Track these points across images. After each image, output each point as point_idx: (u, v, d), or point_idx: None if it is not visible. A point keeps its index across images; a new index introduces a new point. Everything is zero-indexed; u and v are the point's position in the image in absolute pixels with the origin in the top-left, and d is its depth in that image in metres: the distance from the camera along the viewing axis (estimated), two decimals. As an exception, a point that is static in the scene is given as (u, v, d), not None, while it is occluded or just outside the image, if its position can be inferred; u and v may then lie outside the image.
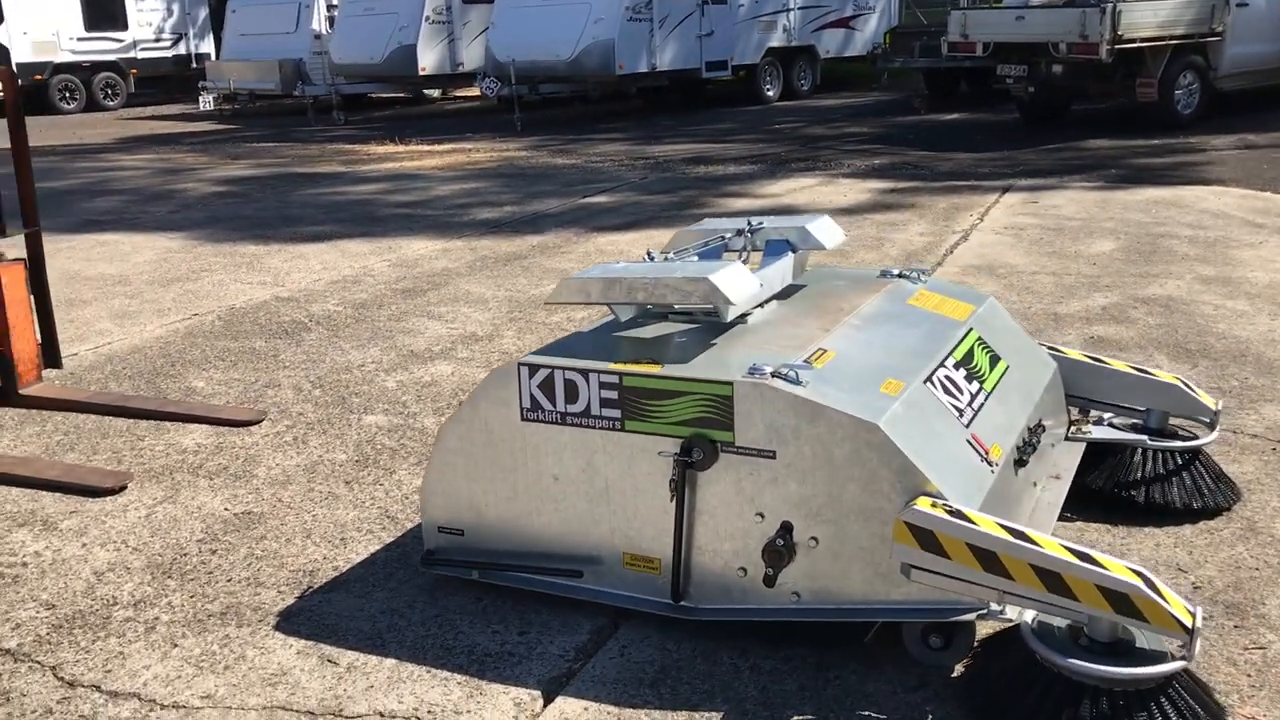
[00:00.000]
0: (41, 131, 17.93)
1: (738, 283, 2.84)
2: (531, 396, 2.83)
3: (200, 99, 19.53)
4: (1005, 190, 9.00)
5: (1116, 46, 11.35)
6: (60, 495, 3.76)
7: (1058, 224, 7.60)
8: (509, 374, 2.85)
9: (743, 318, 3.10)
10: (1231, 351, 4.80)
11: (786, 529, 2.62)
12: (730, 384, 2.61)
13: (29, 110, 20.87)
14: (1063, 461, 3.29)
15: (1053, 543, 2.38)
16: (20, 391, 4.60)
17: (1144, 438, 3.39)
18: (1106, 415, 3.56)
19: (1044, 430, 3.14)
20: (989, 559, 2.39)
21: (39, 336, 4.73)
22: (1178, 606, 2.28)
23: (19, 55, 20.79)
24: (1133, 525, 3.31)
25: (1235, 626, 2.78)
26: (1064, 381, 3.55)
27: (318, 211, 9.35)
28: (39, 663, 2.78)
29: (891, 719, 2.46)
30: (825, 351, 2.83)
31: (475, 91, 18.68)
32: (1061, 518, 3.34)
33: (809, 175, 10.35)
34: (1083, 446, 3.40)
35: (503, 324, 5.63)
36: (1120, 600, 2.29)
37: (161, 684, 2.67)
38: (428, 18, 17.50)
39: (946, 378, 2.90)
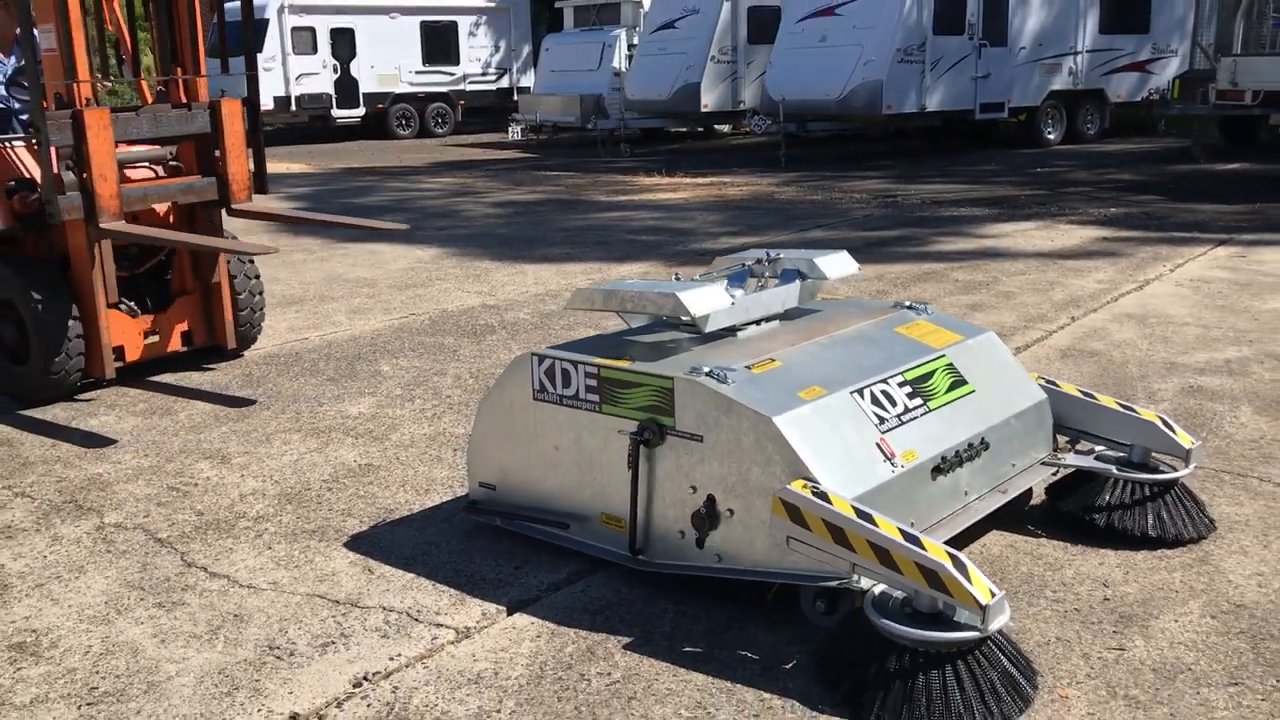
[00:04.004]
0: (374, 154, 20.35)
1: (703, 299, 3.45)
2: (540, 380, 3.55)
3: (509, 129, 21.47)
4: (1221, 244, 8.84)
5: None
6: (242, 441, 4.82)
7: (1249, 279, 7.50)
8: (524, 361, 3.59)
9: (734, 332, 3.70)
10: (1323, 409, 4.85)
11: (710, 501, 3.21)
12: (671, 379, 3.24)
13: (372, 134, 23.68)
14: (1020, 481, 3.66)
15: (890, 525, 2.86)
16: (232, 205, 5.68)
17: (1111, 468, 3.70)
18: (1099, 447, 3.87)
19: (988, 447, 3.53)
20: (838, 533, 2.90)
21: (252, 165, 5.78)
22: (979, 586, 2.71)
23: (366, 86, 23.59)
24: (1091, 546, 3.63)
25: (1113, 631, 3.11)
26: (1059, 413, 3.90)
27: (560, 235, 10.44)
28: (175, 549, 3.77)
29: (761, 657, 3.00)
30: (773, 361, 3.40)
31: (758, 128, 19.55)
32: (1028, 534, 3.73)
33: (1035, 220, 10.46)
34: (1047, 471, 3.75)
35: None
36: (931, 575, 2.74)
37: (247, 572, 3.59)
38: (713, 57, 18.58)
39: (883, 391, 3.39)
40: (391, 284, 8.18)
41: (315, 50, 22.83)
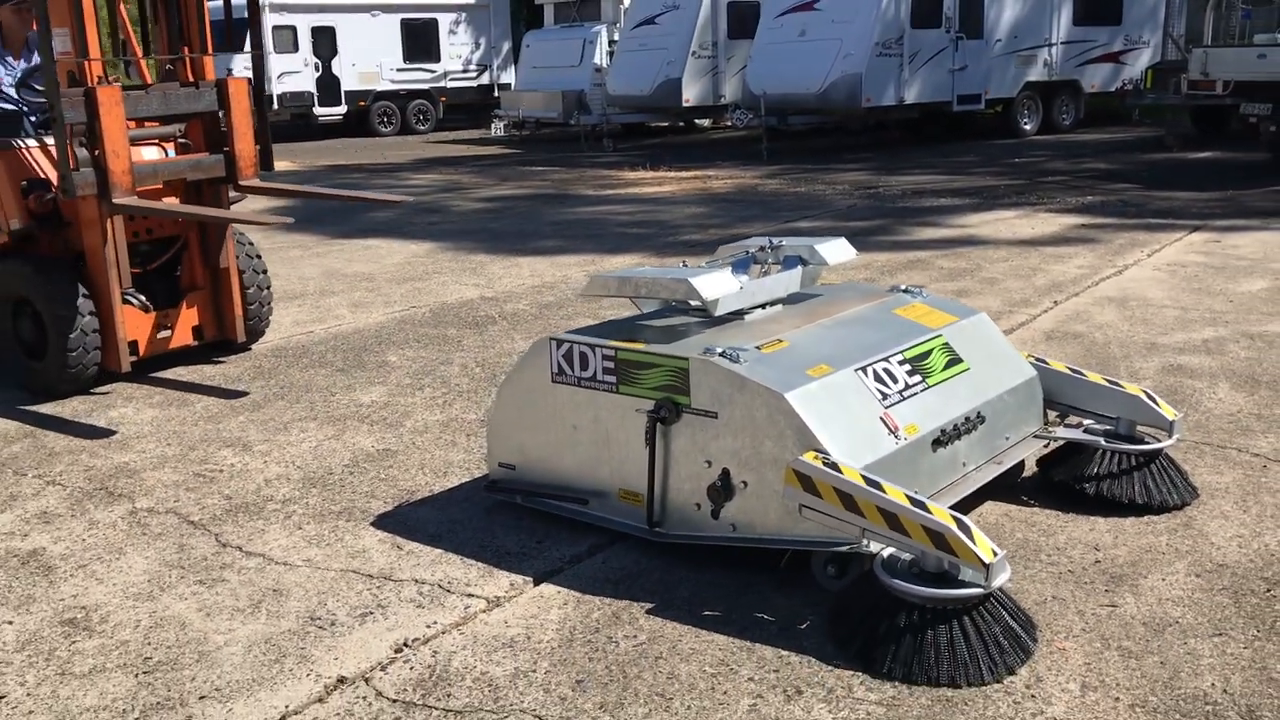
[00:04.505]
0: (357, 152, 20.44)
1: (714, 284, 3.64)
2: (558, 364, 3.73)
3: (492, 125, 21.60)
4: (1196, 229, 9.09)
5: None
6: (260, 430, 4.98)
7: (1224, 263, 7.75)
8: (543, 346, 3.77)
9: (741, 315, 3.88)
10: (1297, 384, 5.08)
11: (725, 474, 3.39)
12: (687, 359, 3.42)
13: (354, 132, 23.75)
14: (1014, 453, 3.86)
15: (898, 491, 3.05)
16: (240, 182, 5.79)
17: (1099, 439, 3.91)
18: (1087, 420, 4.08)
19: (984, 421, 3.73)
20: (848, 500, 3.09)
21: (257, 143, 5.86)
22: (982, 546, 2.91)
23: (347, 84, 23.68)
24: (1082, 513, 3.84)
25: (1105, 590, 3.32)
26: (1049, 389, 4.11)
27: (551, 228, 10.61)
28: (209, 530, 3.94)
29: (777, 618, 3.19)
30: (781, 341, 3.59)
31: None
32: (1022, 503, 3.93)
33: (1013, 209, 10.70)
34: (1039, 444, 3.96)
35: (651, 326, 6.55)
36: (937, 537, 2.94)
37: (281, 550, 3.75)
38: (694, 53, 18.78)
39: (884, 369, 3.58)
40: (390, 278, 8.33)
41: (296, 48, 22.90)
